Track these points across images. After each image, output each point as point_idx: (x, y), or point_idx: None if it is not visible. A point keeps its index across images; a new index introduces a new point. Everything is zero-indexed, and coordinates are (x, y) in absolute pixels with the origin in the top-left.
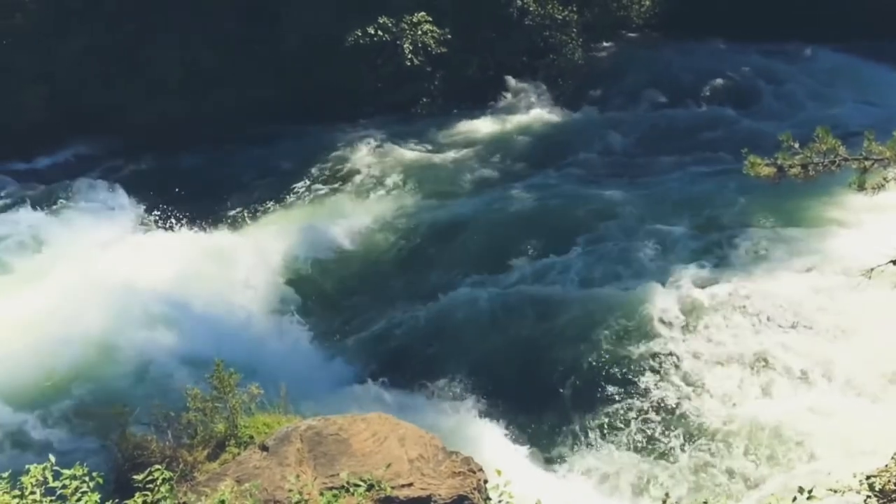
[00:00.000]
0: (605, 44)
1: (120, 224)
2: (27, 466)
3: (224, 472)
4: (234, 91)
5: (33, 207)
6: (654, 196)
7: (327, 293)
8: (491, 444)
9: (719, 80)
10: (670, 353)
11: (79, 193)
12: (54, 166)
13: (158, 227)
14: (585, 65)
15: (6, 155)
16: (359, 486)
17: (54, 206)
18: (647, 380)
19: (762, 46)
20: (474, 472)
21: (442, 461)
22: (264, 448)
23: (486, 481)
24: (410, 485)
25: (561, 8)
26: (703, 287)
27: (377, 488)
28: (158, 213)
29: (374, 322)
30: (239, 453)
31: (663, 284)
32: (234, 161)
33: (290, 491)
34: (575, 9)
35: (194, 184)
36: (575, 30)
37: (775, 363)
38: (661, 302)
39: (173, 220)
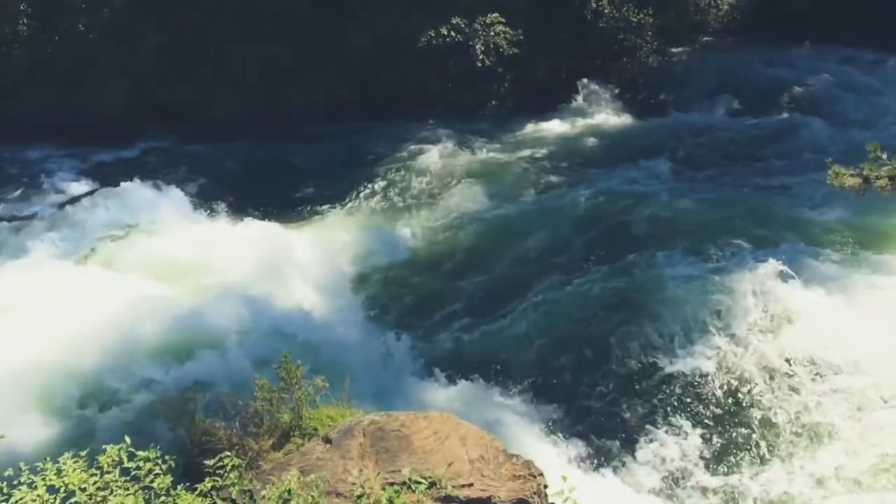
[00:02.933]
0: (680, 48)
1: (193, 215)
2: (104, 447)
3: (288, 462)
4: (307, 88)
5: (111, 196)
6: (728, 205)
7: (393, 291)
8: (553, 449)
9: (799, 87)
10: (745, 363)
11: (154, 185)
12: (132, 158)
13: (231, 219)
14: (660, 69)
15: (88, 145)
16: (420, 483)
17: (130, 198)
18: (728, 392)
19: (844, 52)
20: (534, 477)
21: (502, 463)
22: (328, 440)
23: (546, 486)
24: (470, 485)
25: (636, 11)
26: (782, 299)
27: (438, 486)
28: (231, 205)
29: (437, 321)
30: (303, 444)
31: (735, 294)
32: (305, 157)
33: (354, 484)
34: (651, 12)
35: (266, 178)
36: (650, 33)
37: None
38: (739, 311)
39: (245, 213)
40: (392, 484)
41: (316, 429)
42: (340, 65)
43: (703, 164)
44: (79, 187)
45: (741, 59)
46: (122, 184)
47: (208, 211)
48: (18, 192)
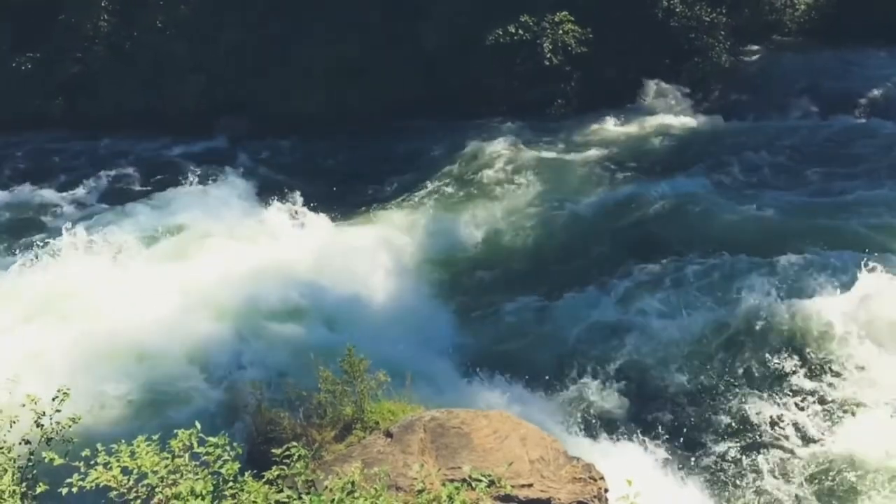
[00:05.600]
0: (754, 48)
1: (262, 209)
2: (175, 431)
3: (350, 454)
4: (375, 85)
5: (181, 190)
6: (801, 211)
7: (454, 288)
8: (616, 454)
9: (878, 90)
10: (818, 375)
11: (226, 178)
12: (204, 152)
13: (298, 213)
14: (732, 69)
15: (163, 139)
16: (480, 480)
17: (202, 190)
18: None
19: None
20: (595, 480)
21: (562, 465)
22: (389, 435)
23: (607, 490)
24: (530, 485)
25: (709, 10)
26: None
27: (497, 485)
28: (298, 200)
29: (499, 319)
30: (364, 437)
31: (810, 301)
32: (371, 153)
33: (414, 479)
34: (724, 11)
35: (333, 173)
36: (723, 33)
37: None
38: (813, 322)
39: (311, 208)
40: (452, 480)
41: (377, 422)
42: (407, 63)
43: (777, 167)
44: (150, 180)
45: (817, 60)
46: (193, 178)
47: (272, 205)
48: (93, 183)
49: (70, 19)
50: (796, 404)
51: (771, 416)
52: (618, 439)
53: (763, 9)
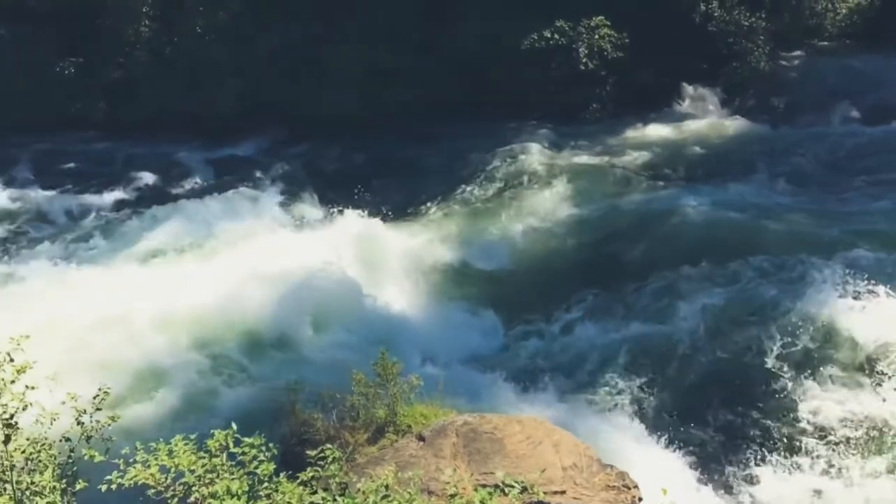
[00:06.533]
0: (794, 53)
1: (298, 212)
2: (212, 431)
3: (382, 457)
4: (408, 89)
5: (219, 192)
6: (841, 219)
7: (488, 291)
8: (651, 464)
9: None
10: (863, 387)
11: (262, 181)
12: (242, 155)
13: (333, 217)
14: (771, 74)
15: (201, 142)
16: (513, 486)
17: (239, 193)
18: (848, 410)
19: None
20: (629, 489)
21: (596, 473)
22: (421, 438)
23: (640, 499)
24: (563, 492)
25: (748, 14)
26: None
27: (530, 491)
28: (333, 204)
29: (531, 323)
30: (397, 440)
31: (850, 312)
32: (405, 157)
33: (447, 483)
34: (763, 15)
35: (367, 177)
36: (762, 37)
37: None
38: (857, 333)
39: (346, 212)
40: (484, 486)
41: (410, 426)
42: (441, 66)
43: (817, 174)
44: (188, 183)
45: (859, 65)
46: (229, 181)
47: (308, 209)
48: (131, 185)
49: (113, 25)
50: (844, 423)
51: (816, 434)
52: (653, 448)
53: (804, 13)
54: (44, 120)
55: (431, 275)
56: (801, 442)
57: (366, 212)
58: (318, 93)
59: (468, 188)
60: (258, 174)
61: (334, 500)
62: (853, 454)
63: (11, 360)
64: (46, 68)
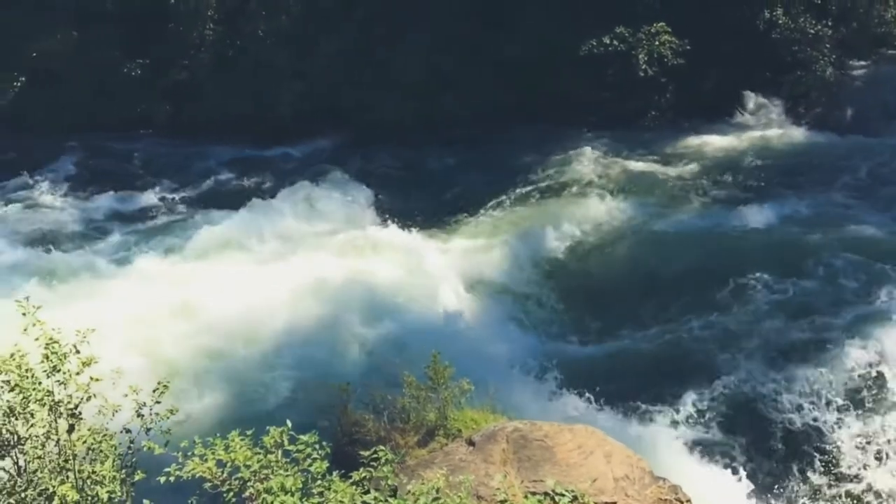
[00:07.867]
0: (860, 62)
1: (355, 216)
2: (267, 428)
3: (432, 460)
4: (466, 94)
5: (277, 194)
6: None
7: (536, 299)
8: (704, 480)
9: None
10: None
11: (320, 185)
12: (301, 157)
13: (389, 221)
14: (837, 83)
15: (260, 144)
16: (563, 495)
17: (298, 195)
18: None
19: None
20: (682, 503)
21: (648, 485)
22: (471, 443)
23: None
24: (614, 503)
25: (814, 22)
26: None
27: (581, 501)
28: (388, 207)
29: (580, 332)
30: (447, 444)
31: None
32: (460, 163)
33: (497, 489)
34: (829, 23)
35: (422, 183)
36: (828, 46)
37: None
38: None
39: (402, 217)
40: (534, 493)
41: (460, 430)
42: (497, 73)
43: (881, 186)
44: (249, 185)
45: None
46: (288, 185)
47: (364, 214)
48: (194, 186)
49: (178, 28)
50: None
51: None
52: (707, 464)
53: (872, 21)
54: (107, 121)
55: (483, 283)
56: (867, 477)
57: (421, 217)
58: (379, 96)
59: (519, 193)
60: (316, 179)
61: (386, 501)
62: None
63: (77, 352)
64: (114, 69)
